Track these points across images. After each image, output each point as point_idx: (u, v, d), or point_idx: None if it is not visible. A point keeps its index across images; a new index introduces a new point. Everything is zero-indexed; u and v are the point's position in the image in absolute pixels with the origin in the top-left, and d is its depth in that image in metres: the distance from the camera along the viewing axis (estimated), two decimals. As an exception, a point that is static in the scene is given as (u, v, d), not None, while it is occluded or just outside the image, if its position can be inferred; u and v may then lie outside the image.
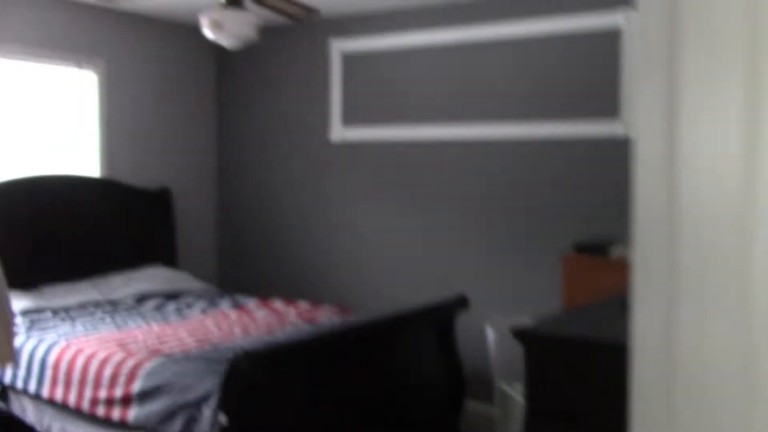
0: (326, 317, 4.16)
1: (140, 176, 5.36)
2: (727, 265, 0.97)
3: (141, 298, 4.56)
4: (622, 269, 3.90)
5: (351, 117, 5.31)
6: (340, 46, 5.31)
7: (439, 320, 3.84)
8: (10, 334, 2.03)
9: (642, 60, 1.03)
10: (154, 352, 3.39)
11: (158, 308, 4.41)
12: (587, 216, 4.44)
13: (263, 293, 5.45)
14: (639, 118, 1.05)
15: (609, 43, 4.32)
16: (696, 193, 1.03)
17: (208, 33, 3.09)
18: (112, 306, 4.38)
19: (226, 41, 3.11)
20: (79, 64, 5.00)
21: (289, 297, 5.14)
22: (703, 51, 0.90)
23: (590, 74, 4.41)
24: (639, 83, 1.05)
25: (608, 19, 4.31)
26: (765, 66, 0.93)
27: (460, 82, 4.84)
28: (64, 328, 3.86)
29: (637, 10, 0.99)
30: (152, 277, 4.86)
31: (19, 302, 4.01)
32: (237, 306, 4.46)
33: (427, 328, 3.81)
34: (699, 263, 1.05)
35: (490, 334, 4.34)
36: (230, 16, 3.03)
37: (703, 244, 1.01)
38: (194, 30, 5.54)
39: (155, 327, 3.92)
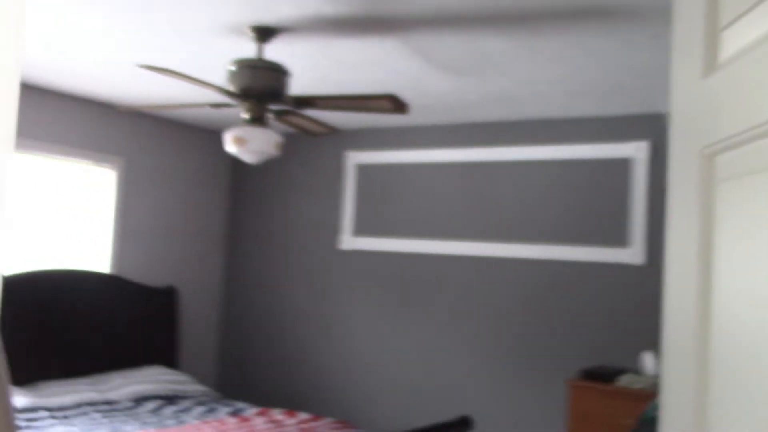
0: (326, 431, 4.08)
1: (148, 274, 5.37)
2: (762, 399, 0.95)
3: (139, 400, 4.49)
4: (626, 397, 3.86)
5: (362, 227, 5.36)
6: (354, 158, 5.42)
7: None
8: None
9: (675, 192, 1.05)
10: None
11: (156, 411, 4.34)
12: (595, 342, 4.41)
13: (263, 399, 5.37)
14: (672, 243, 1.06)
15: (619, 171, 4.40)
16: (729, 326, 1.02)
17: (231, 148, 3.16)
18: (110, 406, 4.30)
19: (247, 156, 3.18)
20: (99, 162, 5.10)
21: (290, 406, 5.05)
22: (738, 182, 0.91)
23: (601, 200, 4.47)
24: (672, 215, 1.06)
25: (619, 149, 4.41)
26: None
27: (472, 199, 4.91)
28: (59, 429, 3.79)
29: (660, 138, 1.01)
30: (152, 378, 4.79)
31: (16, 400, 3.95)
32: (236, 414, 4.38)
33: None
34: (731, 397, 1.03)
35: None
36: (253, 134, 3.11)
37: (735, 377, 0.99)
38: (212, 133, 5.68)
39: (151, 433, 3.84)
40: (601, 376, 4.08)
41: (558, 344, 4.53)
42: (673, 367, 1.01)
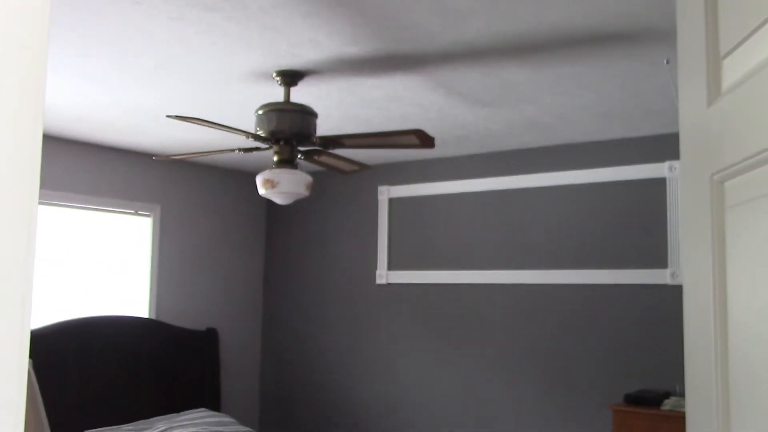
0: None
1: (188, 317, 5.44)
2: None
3: (183, 443, 4.52)
4: (674, 422, 3.79)
5: (397, 260, 5.38)
6: (387, 193, 5.46)
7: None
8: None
9: (687, 218, 1.05)
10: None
11: (200, 454, 4.36)
12: (637, 366, 4.34)
13: (305, 438, 5.37)
14: (687, 268, 1.06)
15: (654, 191, 4.37)
16: (746, 344, 1.01)
17: (262, 191, 3.21)
18: (155, 451, 4.34)
19: (278, 198, 3.23)
20: (135, 210, 5.21)
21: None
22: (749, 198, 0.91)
23: (637, 222, 4.43)
24: (685, 234, 1.07)
25: (653, 169, 4.39)
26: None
27: (506, 227, 4.90)
28: (107, 476, 3.83)
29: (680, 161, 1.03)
30: (195, 421, 4.83)
31: (63, 448, 4.01)
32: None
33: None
34: (751, 410, 1.02)
35: None
36: (284, 176, 3.16)
37: (754, 391, 0.99)
38: (245, 175, 5.76)
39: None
40: (645, 400, 4.02)
41: (600, 370, 4.47)
42: (694, 385, 1.01)
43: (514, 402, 4.78)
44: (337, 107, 3.88)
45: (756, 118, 0.84)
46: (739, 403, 0.92)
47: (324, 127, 4.10)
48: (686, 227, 1.04)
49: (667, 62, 2.87)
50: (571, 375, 4.58)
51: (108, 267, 5.09)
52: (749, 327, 0.89)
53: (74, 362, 4.63)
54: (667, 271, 4.29)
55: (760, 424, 0.87)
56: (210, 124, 3.03)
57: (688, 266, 1.03)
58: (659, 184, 4.36)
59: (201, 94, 3.70)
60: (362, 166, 3.80)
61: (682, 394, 4.10)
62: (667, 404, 3.96)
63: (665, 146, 4.34)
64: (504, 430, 4.75)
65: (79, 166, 4.89)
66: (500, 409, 4.82)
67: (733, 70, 0.92)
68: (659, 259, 4.32)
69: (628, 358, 4.39)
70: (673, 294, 4.26)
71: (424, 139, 3.17)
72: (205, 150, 3.64)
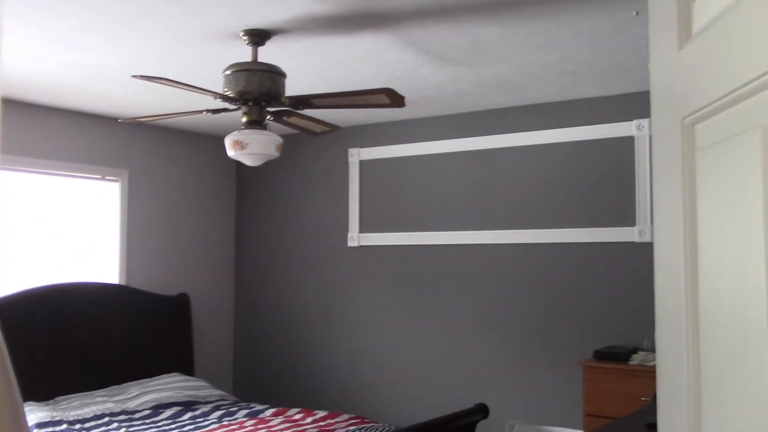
0: (344, 427, 4.10)
1: (159, 283, 5.41)
2: (752, 367, 0.96)
3: (157, 408, 4.52)
4: (642, 377, 3.87)
5: (369, 223, 5.38)
6: (357, 155, 5.44)
7: (461, 429, 3.77)
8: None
9: (658, 164, 1.06)
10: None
11: (174, 418, 4.37)
12: (607, 323, 4.41)
13: (280, 399, 5.40)
14: (658, 214, 1.07)
15: (623, 150, 4.40)
16: (716, 287, 1.03)
17: (231, 153, 3.18)
18: (128, 415, 4.34)
19: (247, 159, 3.20)
20: (103, 175, 5.14)
21: (306, 405, 5.08)
22: (720, 151, 0.92)
23: (606, 180, 4.47)
24: (657, 179, 1.07)
25: (622, 128, 4.41)
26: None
27: (477, 188, 4.92)
28: (80, 441, 3.82)
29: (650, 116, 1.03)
30: (169, 386, 4.83)
31: (34, 414, 3.99)
32: (253, 416, 4.41)
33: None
34: (722, 366, 1.04)
35: None
36: (253, 137, 3.13)
37: (725, 346, 1.01)
38: (213, 139, 5.70)
39: (171, 439, 3.87)
40: (614, 355, 4.09)
41: (570, 327, 4.54)
42: (665, 332, 1.02)
43: (486, 361, 4.83)
44: (305, 68, 3.84)
45: (726, 59, 0.84)
46: (709, 350, 0.93)
47: (292, 89, 4.05)
48: (658, 172, 1.04)
49: (637, 14, 2.88)
50: (542, 332, 4.64)
51: (77, 234, 5.02)
52: (719, 270, 0.90)
53: (44, 330, 4.59)
54: (635, 229, 4.34)
55: (730, 374, 0.89)
56: (177, 84, 2.98)
57: (659, 212, 1.04)
58: (627, 142, 4.39)
59: (166, 55, 3.63)
60: (332, 127, 3.78)
61: (649, 349, 4.18)
62: (635, 359, 4.03)
63: (633, 105, 4.37)
64: (476, 388, 4.81)
65: (44, 132, 4.79)
66: (472, 367, 4.88)
67: (703, 11, 0.92)
68: (627, 217, 4.37)
69: (597, 315, 4.45)
70: (641, 251, 4.32)
71: (394, 98, 3.15)
72: (172, 112, 3.59)
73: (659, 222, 1.05)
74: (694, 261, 0.94)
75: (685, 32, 0.96)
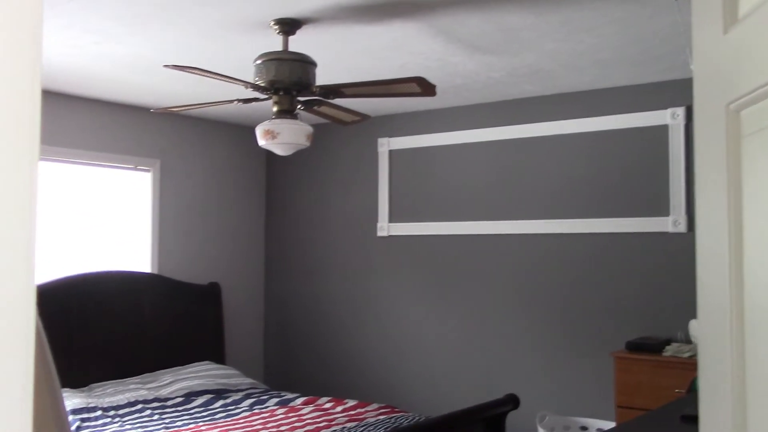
0: (373, 416, 4.11)
1: (190, 272, 5.45)
2: None
3: (189, 395, 4.57)
4: (675, 368, 3.82)
5: (398, 212, 5.37)
6: (387, 145, 5.42)
7: (491, 420, 3.76)
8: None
9: (701, 151, 1.04)
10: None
11: (206, 406, 4.41)
12: (641, 313, 4.36)
13: (310, 388, 5.42)
14: (701, 202, 1.05)
15: (657, 139, 4.34)
16: (764, 285, 1.00)
17: (262, 142, 3.18)
18: (161, 403, 4.39)
19: (278, 149, 3.20)
20: (136, 166, 5.19)
21: (336, 394, 5.10)
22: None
23: (639, 170, 4.41)
24: (700, 166, 1.05)
25: (656, 116, 4.35)
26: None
27: (508, 177, 4.88)
28: (113, 428, 3.88)
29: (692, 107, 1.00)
30: (200, 374, 4.88)
31: (70, 401, 4.05)
32: (284, 404, 4.43)
33: (478, 428, 3.73)
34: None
35: None
36: (284, 126, 3.13)
37: None
38: (244, 128, 5.72)
39: (203, 427, 3.91)
40: (647, 347, 4.05)
41: (602, 318, 4.50)
42: (708, 324, 1.00)
43: (516, 351, 4.81)
44: (335, 57, 3.83)
45: (775, 42, 0.82)
46: (755, 342, 0.91)
47: (322, 78, 4.04)
48: (701, 160, 1.02)
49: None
50: (573, 323, 4.60)
51: (110, 222, 5.08)
52: (766, 259, 0.87)
53: (79, 317, 4.66)
54: (669, 219, 4.28)
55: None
56: (208, 74, 2.99)
57: (702, 200, 1.02)
58: (661, 131, 4.33)
59: (197, 46, 3.65)
60: (363, 117, 3.77)
61: (683, 341, 4.13)
62: (668, 351, 3.99)
63: (667, 93, 4.30)
64: (506, 378, 4.79)
65: (77, 122, 4.84)
66: (502, 358, 4.86)
67: (751, -6, 0.89)
68: (661, 207, 4.31)
69: (630, 306, 4.41)
70: (675, 242, 4.26)
71: (425, 87, 3.13)
72: (204, 102, 3.60)
73: (702, 211, 1.02)
74: (740, 250, 0.92)
75: (730, 16, 0.94)
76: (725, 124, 0.94)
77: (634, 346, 4.10)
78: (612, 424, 4.08)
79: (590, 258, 4.56)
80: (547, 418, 4.37)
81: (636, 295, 4.39)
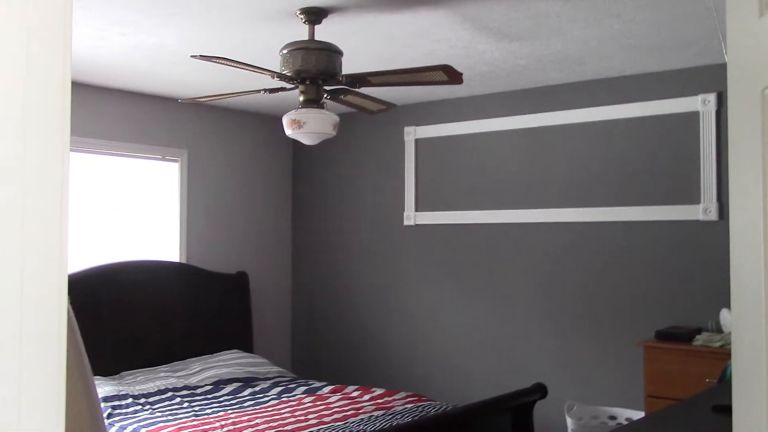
0: (401, 405, 4.12)
1: (218, 261, 5.49)
2: None
3: (218, 383, 4.61)
4: (705, 357, 3.78)
5: (425, 201, 5.36)
6: (413, 134, 5.41)
7: (518, 409, 3.75)
8: (100, 426, 2.05)
9: (735, 136, 1.02)
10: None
11: (234, 394, 4.45)
12: (670, 302, 4.32)
13: (338, 377, 5.45)
14: (735, 189, 1.03)
15: (687, 126, 4.28)
16: None
17: (289, 132, 3.19)
18: (190, 391, 4.43)
19: (305, 138, 3.21)
20: (164, 156, 5.23)
21: (363, 382, 5.12)
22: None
23: (670, 157, 4.36)
24: (734, 152, 1.03)
25: (686, 103, 4.29)
26: None
27: (536, 165, 4.85)
28: (144, 415, 3.92)
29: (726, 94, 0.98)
30: (229, 362, 4.92)
31: (101, 389, 4.11)
32: (311, 393, 4.46)
33: (505, 417, 3.73)
34: None
35: (570, 422, 4.22)
36: (310, 116, 3.13)
37: None
38: (271, 118, 5.74)
39: (231, 415, 3.94)
40: (676, 336, 4.01)
41: (631, 307, 4.46)
42: (742, 313, 0.99)
43: (544, 340, 4.79)
44: (361, 46, 3.82)
45: (813, 24, 0.80)
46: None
47: (348, 67, 4.03)
48: (735, 145, 1.00)
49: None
50: (601, 312, 4.57)
51: (139, 212, 5.13)
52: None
53: (109, 306, 4.71)
54: (700, 207, 4.22)
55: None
56: (235, 64, 2.99)
57: (735, 187, 1.00)
58: (692, 118, 4.27)
59: (222, 35, 3.66)
60: (389, 105, 3.76)
61: (714, 330, 4.08)
62: (699, 340, 3.94)
63: (697, 79, 4.24)
64: (534, 368, 4.78)
65: (105, 113, 4.89)
66: (530, 347, 4.84)
67: (788, -25, 0.87)
68: (692, 195, 4.26)
69: (659, 295, 4.36)
70: (706, 230, 4.21)
71: (452, 75, 3.11)
72: (230, 92, 3.61)
73: (735, 198, 1.00)
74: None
75: (766, -1, 0.92)
76: (760, 109, 0.92)
77: (664, 336, 4.06)
78: (641, 414, 4.05)
79: (619, 246, 4.51)
80: (575, 407, 4.35)
81: (665, 284, 4.34)
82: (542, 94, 4.81)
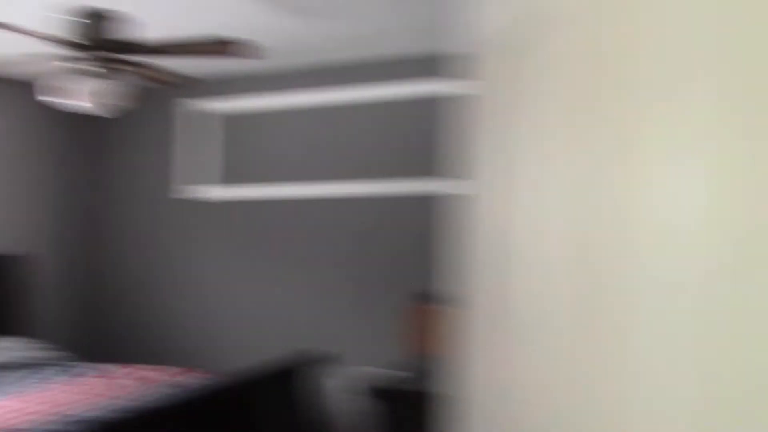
0: (191, 380, 4.10)
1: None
2: (560, 312, 1.06)
3: (1, 368, 4.34)
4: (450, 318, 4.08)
5: (222, 175, 5.38)
6: (187, 106, 5.39)
7: (284, 375, 3.89)
8: None
9: (482, 122, 1.13)
10: (5, 429, 3.24)
11: (19, 381, 4.21)
12: (423, 268, 4.56)
13: (131, 359, 5.32)
14: (478, 176, 1.15)
15: (428, 108, 4.56)
16: (527, 250, 1.11)
17: (72, 102, 3.06)
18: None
19: (93, 109, 3.09)
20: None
21: (158, 362, 5.03)
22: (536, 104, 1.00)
23: (415, 137, 4.68)
24: (479, 144, 1.14)
25: (427, 87, 4.58)
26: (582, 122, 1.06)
27: (320, 142, 5.03)
28: None
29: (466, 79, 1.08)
30: (10, 348, 4.65)
31: None
32: (102, 375, 4.32)
33: (275, 386, 3.85)
34: (533, 311, 1.13)
35: (330, 386, 4.46)
36: (89, 86, 3.02)
37: (536, 290, 1.09)
38: (25, 85, 5.26)
39: (14, 400, 3.74)
40: (427, 299, 4.29)
41: (391, 274, 4.76)
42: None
43: (315, 307, 5.03)
44: (149, 16, 3.71)
45: None
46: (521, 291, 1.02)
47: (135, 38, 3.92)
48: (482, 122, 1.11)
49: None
50: (364, 278, 4.87)
51: None
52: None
53: None
54: (438, 181, 4.51)
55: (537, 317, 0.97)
56: (7, 28, 2.83)
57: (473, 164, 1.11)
58: (435, 100, 4.51)
59: (-8, -1, 3.41)
60: (184, 78, 3.70)
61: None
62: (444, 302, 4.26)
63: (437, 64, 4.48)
64: (312, 335, 4.98)
65: None
66: (302, 313, 5.06)
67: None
68: (434, 171, 4.53)
69: (414, 262, 4.67)
70: (441, 203, 4.53)
71: (232, 48, 3.13)
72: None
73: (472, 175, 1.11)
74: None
75: None
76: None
77: (418, 299, 4.35)
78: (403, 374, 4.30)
79: (376, 216, 4.85)
80: (344, 370, 4.58)
81: (418, 253, 4.62)
82: (331, 72, 4.96)
